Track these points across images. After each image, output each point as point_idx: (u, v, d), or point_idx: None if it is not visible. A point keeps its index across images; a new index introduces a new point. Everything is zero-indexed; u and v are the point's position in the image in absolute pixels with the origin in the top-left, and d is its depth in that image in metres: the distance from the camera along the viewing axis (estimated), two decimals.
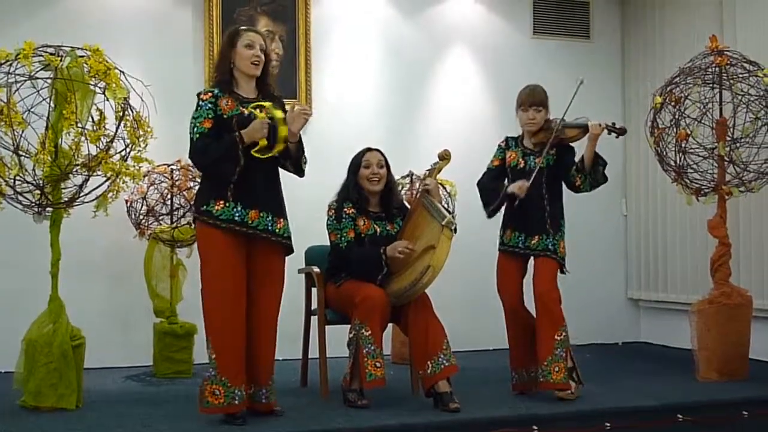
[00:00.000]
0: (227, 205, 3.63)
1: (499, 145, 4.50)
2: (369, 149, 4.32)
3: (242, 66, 3.73)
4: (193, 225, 5.05)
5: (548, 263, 4.25)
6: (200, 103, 3.70)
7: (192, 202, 5.05)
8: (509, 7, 6.53)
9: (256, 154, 3.59)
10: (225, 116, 3.66)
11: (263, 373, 3.78)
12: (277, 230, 3.72)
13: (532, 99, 4.33)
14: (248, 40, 3.72)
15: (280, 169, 3.84)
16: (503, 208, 4.38)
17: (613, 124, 4.30)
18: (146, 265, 5.19)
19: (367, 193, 4.30)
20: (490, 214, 4.41)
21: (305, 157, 3.86)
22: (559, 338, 4.16)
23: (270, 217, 3.70)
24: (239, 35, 3.73)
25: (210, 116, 3.66)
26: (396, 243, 4.14)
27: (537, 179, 4.24)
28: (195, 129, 3.66)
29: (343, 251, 4.21)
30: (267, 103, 3.63)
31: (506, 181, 4.41)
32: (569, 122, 4.30)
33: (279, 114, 3.59)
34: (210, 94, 3.71)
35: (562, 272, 4.32)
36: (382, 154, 4.32)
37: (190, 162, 4.99)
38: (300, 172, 3.86)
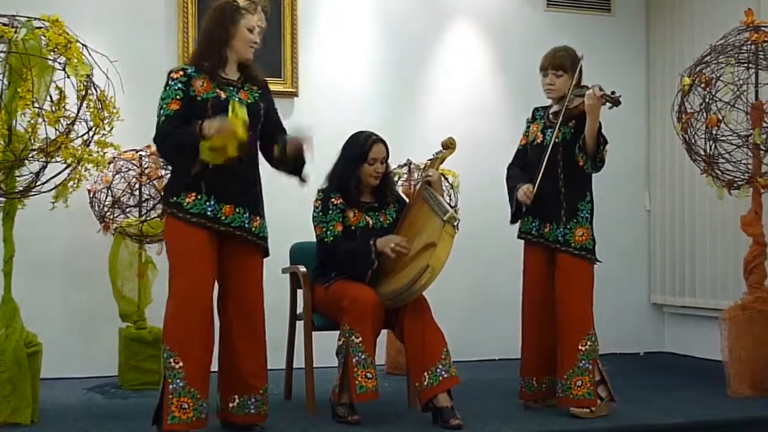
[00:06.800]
0: (199, 197, 3.61)
1: (527, 120, 4.48)
2: (376, 141, 4.25)
3: (239, 47, 3.70)
4: (163, 218, 5.08)
5: (566, 260, 4.20)
6: (170, 82, 3.65)
7: (163, 193, 5.05)
8: None
9: (203, 155, 3.46)
10: (199, 98, 3.62)
11: (253, 379, 3.77)
12: (253, 228, 3.72)
13: (549, 61, 4.28)
14: (251, 23, 3.69)
15: (260, 163, 3.84)
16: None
17: (612, 92, 4.07)
18: (111, 264, 5.18)
19: (363, 186, 4.30)
20: (512, 220, 4.39)
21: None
22: (583, 348, 4.14)
23: (246, 214, 3.70)
24: (241, 14, 3.68)
25: (179, 97, 3.60)
26: (389, 237, 4.13)
27: (552, 158, 4.19)
28: (161, 111, 3.62)
29: (328, 246, 4.21)
30: (234, 103, 3.50)
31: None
32: (580, 90, 4.20)
33: (238, 115, 3.41)
34: (182, 72, 3.66)
35: (589, 261, 4.21)
36: (386, 146, 4.28)
37: None
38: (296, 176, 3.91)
